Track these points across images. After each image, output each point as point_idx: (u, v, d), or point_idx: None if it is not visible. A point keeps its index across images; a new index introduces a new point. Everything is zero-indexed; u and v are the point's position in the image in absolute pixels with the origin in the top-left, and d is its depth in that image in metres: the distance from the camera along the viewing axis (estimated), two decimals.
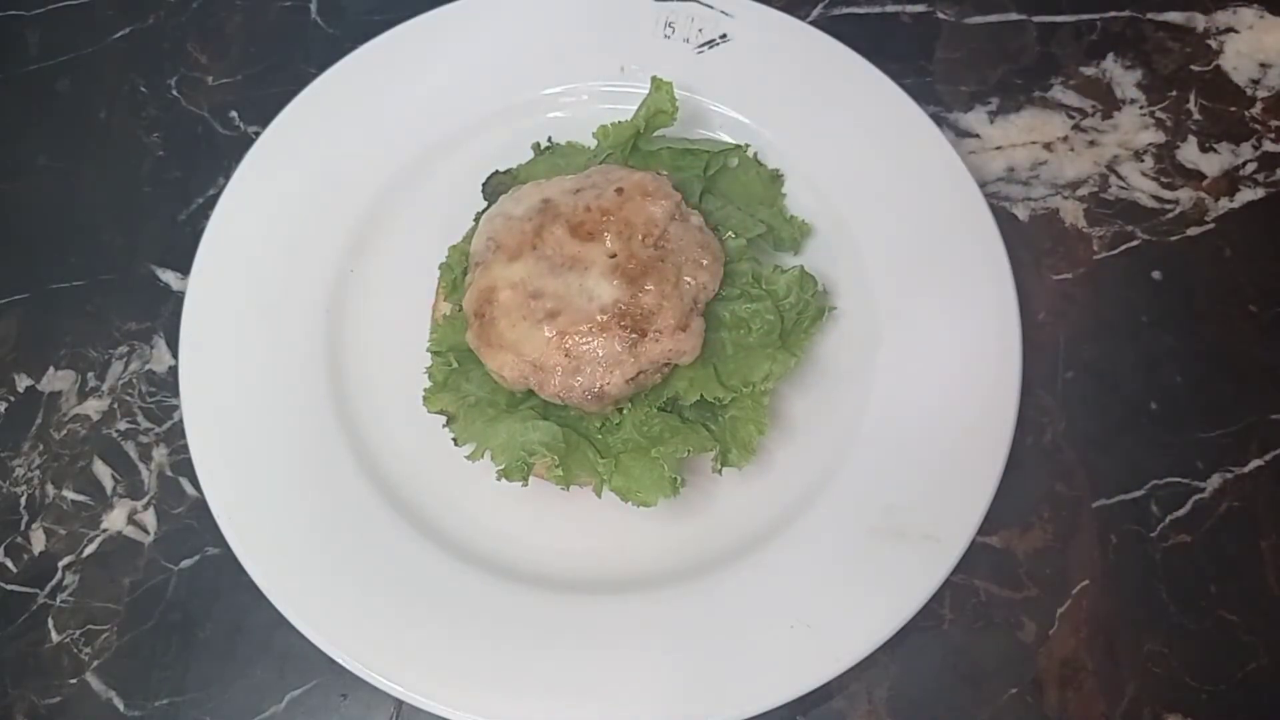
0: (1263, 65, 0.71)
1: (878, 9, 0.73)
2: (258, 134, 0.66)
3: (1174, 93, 0.71)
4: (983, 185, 0.65)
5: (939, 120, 0.66)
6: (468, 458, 0.54)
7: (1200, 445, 0.62)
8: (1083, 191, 0.68)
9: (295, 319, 0.62)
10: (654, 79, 0.59)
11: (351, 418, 0.61)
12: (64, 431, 0.63)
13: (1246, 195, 0.68)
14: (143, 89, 0.73)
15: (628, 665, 0.54)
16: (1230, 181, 0.68)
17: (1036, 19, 0.73)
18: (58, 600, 0.60)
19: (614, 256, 0.53)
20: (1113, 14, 0.73)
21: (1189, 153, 0.69)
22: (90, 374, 0.65)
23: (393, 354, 0.61)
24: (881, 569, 0.55)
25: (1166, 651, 0.57)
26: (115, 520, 0.61)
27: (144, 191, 0.70)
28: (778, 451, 0.60)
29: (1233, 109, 0.70)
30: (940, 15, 0.73)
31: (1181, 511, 0.60)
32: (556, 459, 0.52)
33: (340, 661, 0.54)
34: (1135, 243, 0.67)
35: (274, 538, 0.57)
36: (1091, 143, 0.70)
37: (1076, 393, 0.63)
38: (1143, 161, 0.69)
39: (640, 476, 0.52)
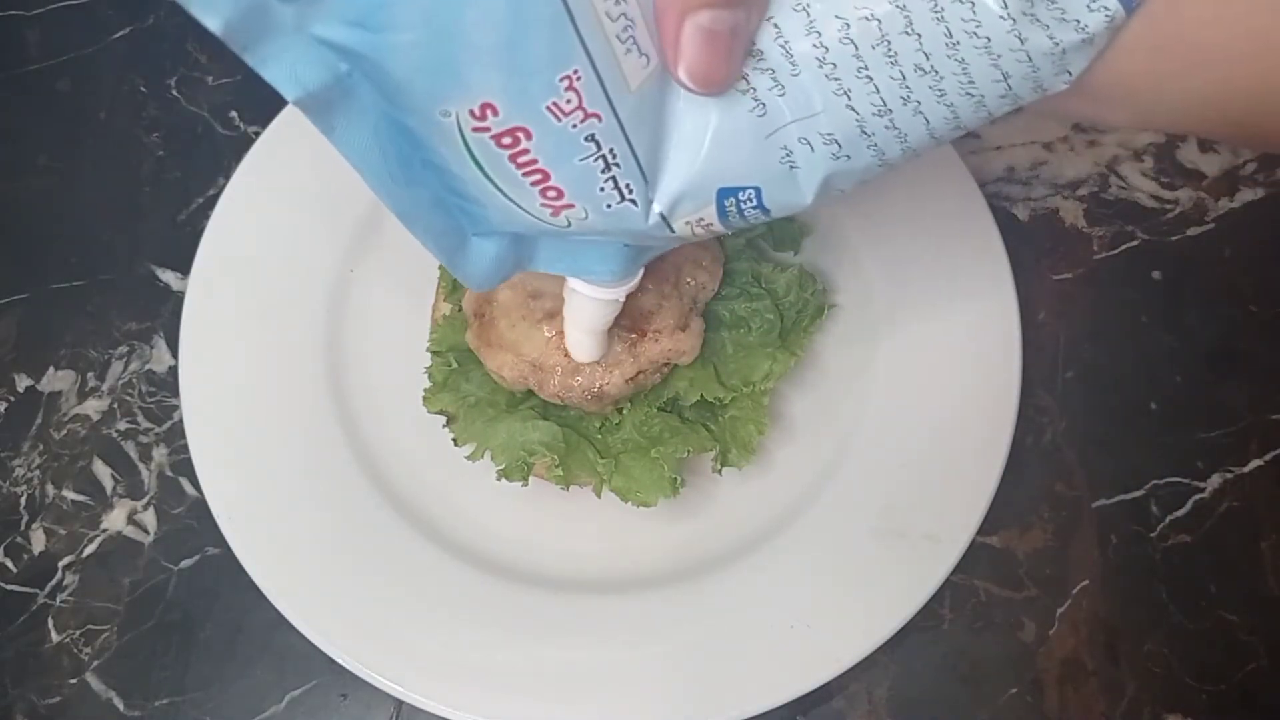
0: None
1: None
2: (258, 134, 0.66)
3: None
4: (983, 185, 0.65)
5: None
6: (468, 458, 0.54)
7: (1200, 445, 0.62)
8: (1083, 191, 0.68)
9: (295, 319, 0.62)
10: None
11: (351, 417, 0.61)
12: (64, 431, 0.63)
13: (1246, 195, 0.68)
14: (143, 89, 0.73)
15: (627, 665, 0.54)
16: (1230, 181, 0.68)
17: None
18: (58, 600, 0.60)
19: None
20: None
21: (1189, 153, 0.69)
22: (90, 374, 0.65)
23: (393, 354, 0.61)
24: (881, 569, 0.55)
25: (1166, 651, 0.57)
26: (115, 520, 0.61)
27: (144, 191, 0.70)
28: (778, 451, 0.60)
29: None
30: None
31: (1181, 511, 0.60)
32: (556, 459, 0.52)
33: (340, 661, 0.54)
34: (1135, 243, 0.67)
35: (274, 538, 0.57)
36: (1091, 143, 0.70)
37: (1076, 393, 0.63)
38: (1143, 161, 0.69)
39: (640, 476, 0.52)
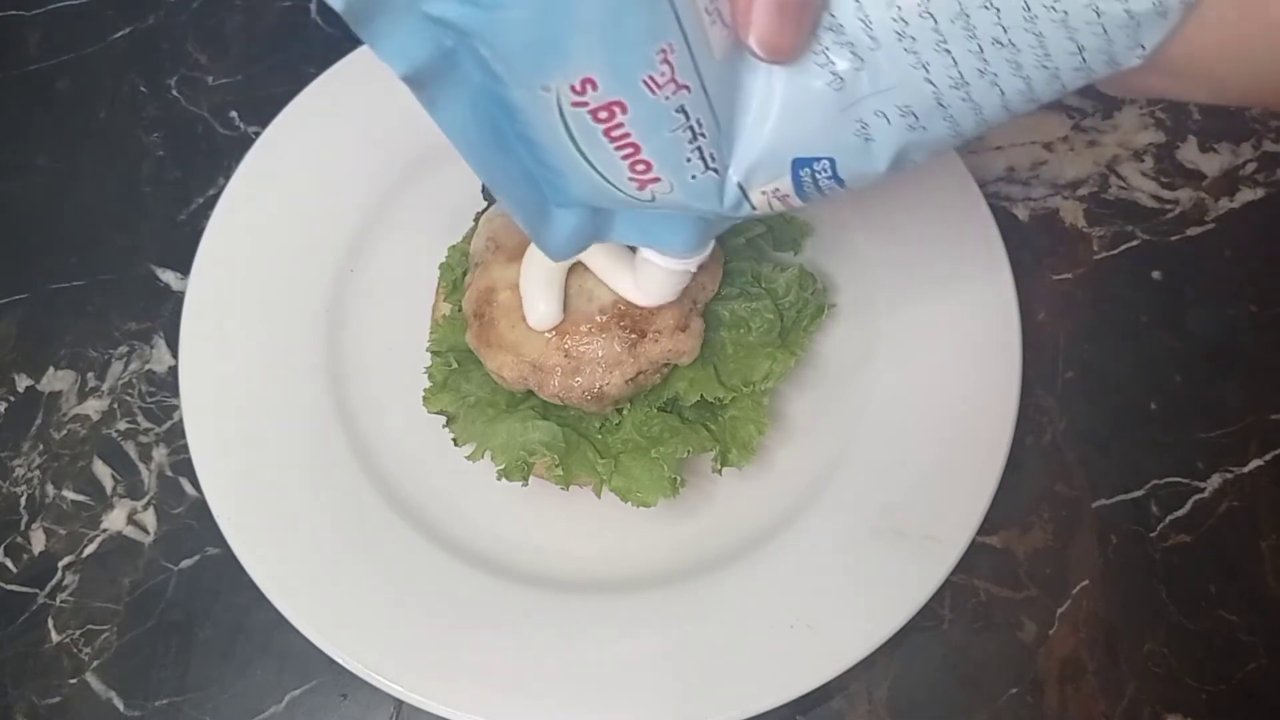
0: None
1: None
2: (258, 134, 0.66)
3: None
4: (983, 185, 0.65)
5: None
6: (468, 458, 0.54)
7: (1200, 445, 0.62)
8: (1083, 191, 0.68)
9: (295, 319, 0.62)
10: None
11: (351, 417, 0.61)
12: (64, 431, 0.63)
13: (1246, 195, 0.68)
14: (143, 89, 0.73)
15: (627, 665, 0.54)
16: (1230, 181, 0.68)
17: None
18: (58, 600, 0.60)
19: None
20: None
21: (1189, 153, 0.69)
22: (90, 374, 0.65)
23: (393, 354, 0.61)
24: (881, 569, 0.55)
25: (1166, 651, 0.57)
26: (115, 520, 0.61)
27: (144, 191, 0.70)
28: (778, 451, 0.60)
29: (1232, 109, 0.70)
30: None
31: (1181, 511, 0.60)
32: (556, 459, 0.52)
33: (340, 661, 0.54)
34: (1135, 243, 0.67)
35: (274, 538, 0.57)
36: (1091, 143, 0.70)
37: (1076, 393, 0.63)
38: (1143, 161, 0.69)
39: (640, 476, 0.52)
